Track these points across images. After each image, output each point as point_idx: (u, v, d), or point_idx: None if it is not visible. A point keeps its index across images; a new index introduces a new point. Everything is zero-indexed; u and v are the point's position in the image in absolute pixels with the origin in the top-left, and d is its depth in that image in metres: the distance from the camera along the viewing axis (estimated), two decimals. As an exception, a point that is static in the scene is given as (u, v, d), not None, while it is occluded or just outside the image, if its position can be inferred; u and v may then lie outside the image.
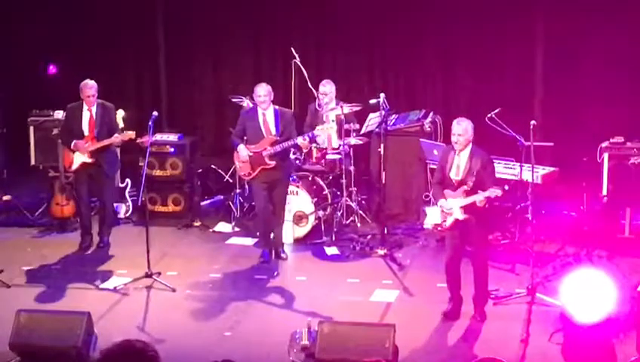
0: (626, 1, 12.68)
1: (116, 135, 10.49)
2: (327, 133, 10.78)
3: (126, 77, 14.60)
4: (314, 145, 11.13)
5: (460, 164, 8.58)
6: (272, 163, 10.10)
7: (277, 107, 10.27)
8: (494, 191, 8.36)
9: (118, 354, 4.03)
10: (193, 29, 14.30)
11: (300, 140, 10.12)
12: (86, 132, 10.55)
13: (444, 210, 8.62)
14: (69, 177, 11.19)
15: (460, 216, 8.50)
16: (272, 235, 10.41)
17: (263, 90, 10.09)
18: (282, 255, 10.47)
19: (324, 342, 7.57)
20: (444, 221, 8.66)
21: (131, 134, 10.65)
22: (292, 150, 10.85)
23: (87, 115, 10.57)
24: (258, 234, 10.84)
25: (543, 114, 13.11)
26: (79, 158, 10.59)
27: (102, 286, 9.77)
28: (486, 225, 8.86)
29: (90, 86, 10.53)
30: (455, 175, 8.60)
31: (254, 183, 10.37)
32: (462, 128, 8.53)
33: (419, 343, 8.30)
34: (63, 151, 11.01)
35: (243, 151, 10.15)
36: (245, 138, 10.20)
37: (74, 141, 10.55)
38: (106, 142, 10.47)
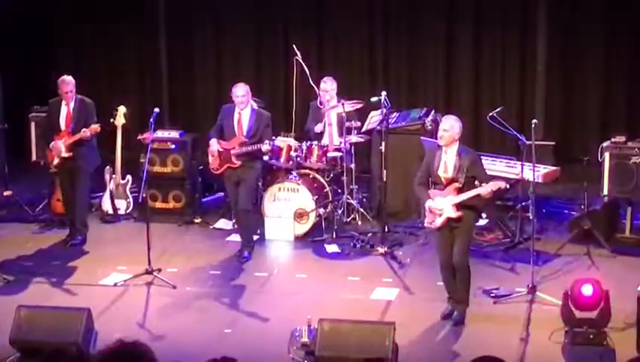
0: (627, 0, 12.69)
1: (84, 129, 10.46)
2: (286, 144, 10.80)
3: (128, 73, 14.61)
4: (315, 143, 11.15)
5: (447, 162, 8.50)
6: (238, 163, 10.15)
7: (256, 107, 10.31)
8: (497, 184, 8.37)
9: (112, 353, 4.04)
10: (195, 25, 14.31)
11: (264, 146, 10.12)
12: (62, 126, 10.60)
13: (434, 211, 8.51)
14: (55, 173, 11.20)
15: (453, 213, 8.42)
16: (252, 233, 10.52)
17: (241, 91, 10.15)
18: (244, 254, 10.40)
19: (324, 340, 7.57)
20: (433, 221, 8.55)
21: (96, 127, 10.54)
22: (293, 150, 10.88)
23: (65, 110, 10.64)
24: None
25: (544, 113, 13.13)
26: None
27: (102, 282, 9.77)
28: (473, 225, 8.84)
29: (67, 82, 10.58)
30: (444, 172, 8.50)
31: (224, 180, 10.49)
32: (448, 124, 8.49)
33: (419, 341, 8.31)
34: (47, 148, 11.01)
35: (213, 146, 10.26)
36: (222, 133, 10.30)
37: (51, 143, 10.61)
38: (76, 137, 10.48)
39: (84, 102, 10.69)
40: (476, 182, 8.48)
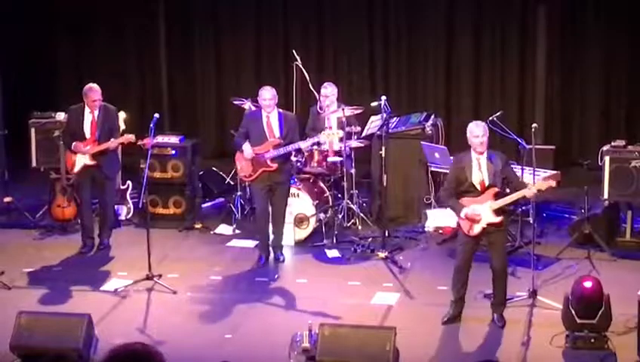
0: (627, 3, 12.70)
1: (112, 139, 10.47)
2: (330, 139, 10.78)
3: (128, 79, 14.63)
4: (315, 147, 11.15)
5: (482, 167, 8.40)
6: (274, 165, 10.10)
7: (280, 110, 10.29)
8: (546, 183, 8.41)
9: (123, 355, 4.02)
10: (195, 31, 14.34)
11: (303, 144, 10.13)
12: (87, 134, 10.55)
13: (470, 218, 8.37)
14: (70, 179, 11.18)
15: (495, 219, 8.35)
16: (270, 239, 10.41)
17: (268, 94, 10.10)
18: (280, 257, 10.47)
19: (325, 345, 7.57)
20: (470, 229, 8.43)
21: (131, 137, 10.63)
22: (293, 152, 10.89)
23: (90, 117, 10.56)
24: (258, 239, 10.85)
25: (544, 117, 13.15)
26: (81, 161, 10.59)
27: (102, 288, 9.77)
28: (506, 229, 8.84)
29: (95, 90, 10.51)
30: (479, 179, 8.40)
31: (255, 185, 10.38)
32: (483, 129, 8.40)
33: (420, 346, 8.29)
34: (65, 153, 11.00)
35: (248, 150, 10.12)
36: (248, 140, 10.22)
37: (74, 143, 10.55)
38: (103, 146, 10.47)
39: (108, 108, 10.64)
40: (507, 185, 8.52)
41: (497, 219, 8.36)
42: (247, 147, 10.13)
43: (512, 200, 8.42)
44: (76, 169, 10.68)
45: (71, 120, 10.79)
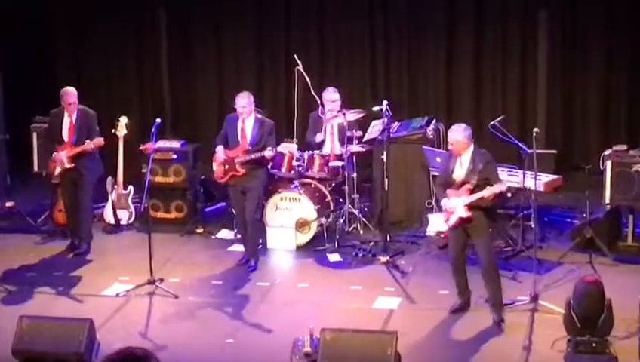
0: (628, 6, 12.71)
1: (87, 141, 10.48)
2: (288, 153, 10.98)
3: (129, 84, 14.62)
4: (316, 152, 11.17)
5: (462, 165, 8.74)
6: (242, 171, 10.19)
7: (259, 116, 10.36)
8: (500, 186, 8.55)
9: (119, 360, 4.03)
10: (196, 35, 14.33)
11: (267, 152, 10.16)
12: (65, 138, 10.61)
13: (447, 209, 8.76)
14: (57, 183, 11.21)
15: (464, 213, 8.62)
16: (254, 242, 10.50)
17: (243, 101, 10.21)
18: (251, 263, 10.42)
19: (327, 349, 7.57)
20: (447, 220, 8.82)
21: (100, 140, 10.57)
22: (295, 160, 10.92)
23: (68, 121, 10.64)
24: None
25: (545, 121, 13.15)
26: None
27: (104, 292, 9.77)
28: (489, 224, 8.89)
29: (70, 93, 10.59)
30: (457, 175, 8.74)
31: (230, 189, 10.53)
32: (453, 138, 8.75)
33: (421, 350, 8.30)
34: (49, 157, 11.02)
35: (219, 153, 10.33)
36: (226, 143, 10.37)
37: (54, 154, 10.64)
38: (79, 148, 10.50)
39: (87, 112, 10.70)
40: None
41: (466, 215, 8.64)
42: (219, 150, 10.34)
43: (480, 196, 8.55)
44: (56, 172, 10.74)
45: (50, 123, 10.89)
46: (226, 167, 10.29)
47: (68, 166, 10.59)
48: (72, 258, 10.74)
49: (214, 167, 10.51)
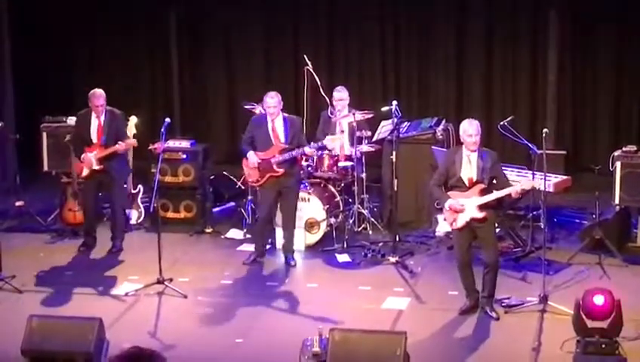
0: (638, 8, 12.68)
1: (120, 142, 10.51)
2: (336, 143, 10.81)
3: (139, 84, 14.67)
4: (326, 152, 11.16)
5: (471, 164, 8.64)
6: (281, 170, 10.16)
7: (286, 115, 10.35)
8: (529, 183, 8.70)
9: (126, 359, 4.04)
10: (206, 36, 14.36)
11: (308, 149, 10.17)
12: (94, 139, 10.61)
13: (456, 210, 8.64)
14: (81, 184, 11.22)
15: (479, 214, 8.57)
16: (266, 244, 10.60)
17: (272, 101, 10.17)
18: (291, 262, 10.50)
19: (336, 350, 7.55)
20: (454, 221, 8.71)
21: (134, 142, 10.69)
22: (305, 157, 10.92)
23: (96, 122, 10.62)
24: (251, 236, 10.98)
25: (555, 122, 13.13)
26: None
27: (113, 292, 9.79)
28: (494, 225, 8.95)
29: (98, 95, 10.58)
30: (468, 174, 8.63)
31: (263, 190, 10.45)
32: (477, 128, 8.62)
33: (430, 351, 8.29)
34: (74, 159, 11.04)
35: (252, 158, 10.22)
36: (255, 145, 10.27)
37: (82, 155, 10.64)
38: (109, 150, 10.52)
39: (115, 113, 10.69)
40: (494, 182, 8.66)
41: (481, 215, 8.60)
42: (251, 155, 10.23)
43: (497, 197, 8.59)
44: (84, 173, 10.74)
45: (78, 125, 10.87)
46: (262, 169, 10.24)
47: (96, 167, 10.59)
48: (107, 255, 10.81)
49: (246, 171, 10.49)
